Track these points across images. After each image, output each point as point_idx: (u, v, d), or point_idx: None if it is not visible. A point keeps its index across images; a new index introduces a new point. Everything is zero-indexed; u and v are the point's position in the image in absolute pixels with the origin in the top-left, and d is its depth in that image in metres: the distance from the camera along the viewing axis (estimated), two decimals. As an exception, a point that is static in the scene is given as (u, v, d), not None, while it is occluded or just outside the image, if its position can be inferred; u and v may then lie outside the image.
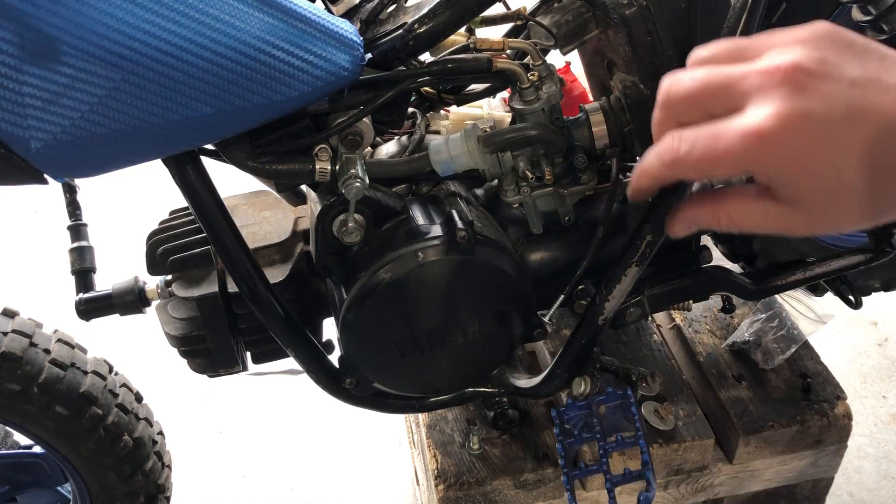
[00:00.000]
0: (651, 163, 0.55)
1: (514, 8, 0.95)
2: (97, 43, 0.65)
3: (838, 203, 0.51)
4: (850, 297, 1.19)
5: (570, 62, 1.29)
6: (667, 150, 0.53)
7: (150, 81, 0.68)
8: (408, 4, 0.88)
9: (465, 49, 0.89)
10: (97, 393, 1.19)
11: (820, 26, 0.52)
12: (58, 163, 0.70)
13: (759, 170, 0.51)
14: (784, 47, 0.51)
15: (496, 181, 0.94)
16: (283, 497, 1.73)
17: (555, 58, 1.03)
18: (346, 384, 0.97)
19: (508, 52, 0.90)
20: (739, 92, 0.51)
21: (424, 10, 0.83)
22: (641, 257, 0.91)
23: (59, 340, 1.20)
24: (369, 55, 0.80)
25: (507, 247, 0.94)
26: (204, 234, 1.03)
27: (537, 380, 1.02)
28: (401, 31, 0.83)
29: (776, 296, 1.30)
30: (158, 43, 0.66)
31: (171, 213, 1.15)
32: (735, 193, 0.55)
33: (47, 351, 1.16)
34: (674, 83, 0.54)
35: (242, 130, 0.77)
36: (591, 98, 1.20)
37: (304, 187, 1.08)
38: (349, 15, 0.87)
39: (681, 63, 0.93)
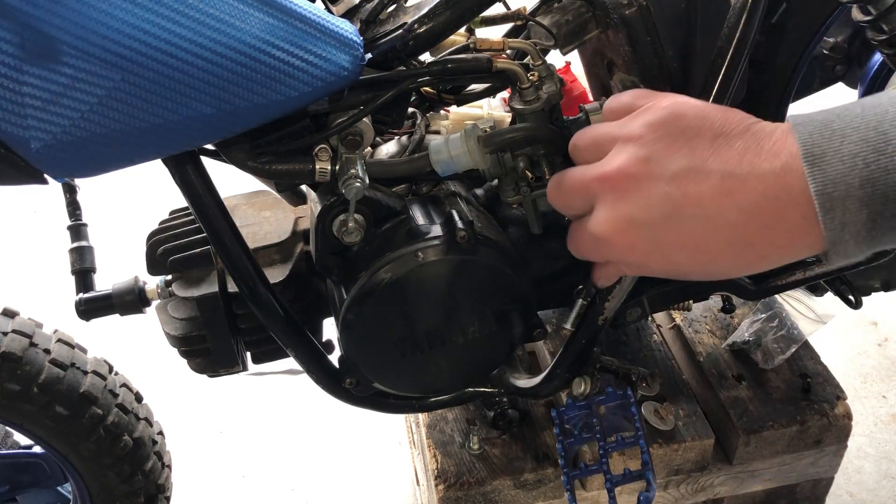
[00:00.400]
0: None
1: (514, 8, 0.95)
2: (97, 43, 0.65)
3: (685, 274, 0.60)
4: (850, 297, 1.19)
5: (570, 62, 1.29)
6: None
7: (150, 81, 0.68)
8: (408, 4, 0.88)
9: (465, 49, 0.88)
10: (97, 393, 1.19)
11: (662, 110, 0.59)
12: (58, 163, 0.70)
13: (610, 260, 0.65)
14: (622, 145, 0.60)
15: (496, 181, 0.94)
16: (283, 497, 1.73)
17: (555, 58, 1.03)
18: (346, 384, 0.97)
19: (508, 52, 0.90)
20: (589, 196, 0.62)
21: (424, 10, 0.83)
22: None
23: (59, 340, 1.20)
24: (369, 55, 0.80)
25: (507, 247, 0.94)
26: (204, 234, 1.03)
27: (537, 380, 1.02)
28: (401, 31, 0.83)
29: (776, 296, 1.30)
30: (158, 43, 0.66)
31: (171, 213, 1.15)
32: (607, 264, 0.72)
33: (47, 351, 1.16)
34: (549, 192, 0.70)
35: (242, 130, 0.77)
36: (591, 98, 1.20)
37: (304, 187, 1.08)
38: (349, 15, 0.87)
39: (681, 63, 0.94)
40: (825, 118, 0.51)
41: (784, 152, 0.51)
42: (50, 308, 1.49)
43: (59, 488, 1.34)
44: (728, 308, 1.31)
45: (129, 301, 1.09)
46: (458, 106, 1.01)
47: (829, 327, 1.37)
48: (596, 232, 0.60)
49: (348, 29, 0.77)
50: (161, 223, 1.12)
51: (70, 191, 1.17)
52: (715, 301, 1.36)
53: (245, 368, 1.11)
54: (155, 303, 1.09)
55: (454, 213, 0.89)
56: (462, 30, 0.90)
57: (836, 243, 0.51)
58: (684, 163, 0.54)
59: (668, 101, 0.59)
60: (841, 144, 0.49)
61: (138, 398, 1.31)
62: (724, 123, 0.55)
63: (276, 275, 1.03)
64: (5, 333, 1.13)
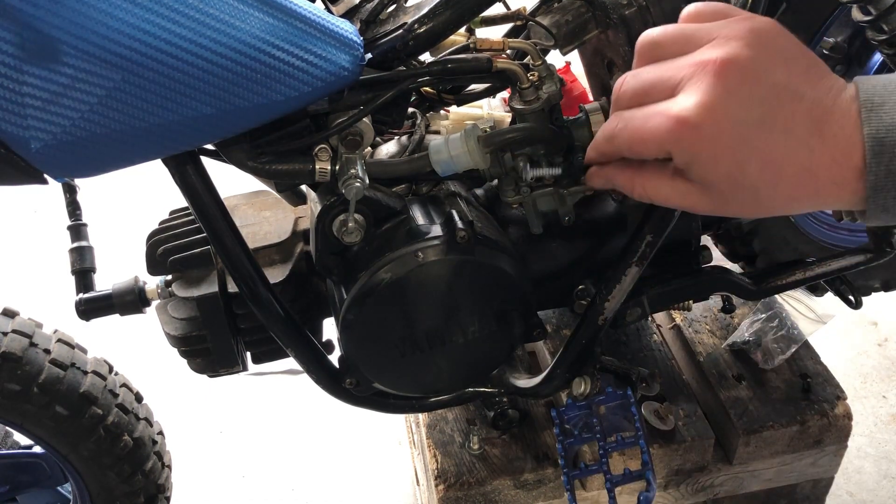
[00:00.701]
0: (596, 138, 0.63)
1: (514, 8, 0.95)
2: (97, 43, 0.65)
3: (739, 194, 0.57)
4: (850, 297, 1.19)
5: (570, 62, 1.29)
6: (608, 126, 0.61)
7: (150, 81, 0.68)
8: (408, 4, 0.88)
9: (465, 49, 0.88)
10: (97, 393, 1.19)
11: (763, 23, 0.58)
12: (58, 163, 0.70)
13: (677, 151, 0.57)
14: (724, 40, 0.56)
15: (496, 181, 0.94)
16: (283, 497, 1.73)
17: (555, 58, 1.03)
18: (346, 384, 0.97)
19: (508, 52, 0.90)
20: (675, 81, 0.57)
21: (424, 10, 0.83)
22: (641, 257, 0.91)
23: (59, 340, 1.20)
24: (369, 55, 0.80)
25: (507, 247, 0.94)
26: (204, 234, 1.03)
27: (537, 380, 1.02)
28: (401, 31, 0.83)
29: (776, 296, 1.30)
30: (158, 43, 0.66)
31: (171, 213, 1.15)
32: (652, 168, 0.62)
33: (47, 351, 1.16)
34: (622, 83, 0.61)
35: (242, 130, 0.77)
36: (591, 98, 1.20)
37: (304, 187, 1.08)
38: (349, 15, 0.87)
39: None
40: (889, 77, 0.55)
41: (857, 100, 0.54)
42: (50, 308, 1.49)
43: (59, 488, 1.34)
44: (728, 308, 1.31)
45: (129, 301, 1.09)
46: (458, 106, 1.02)
47: (829, 327, 1.37)
48: (685, 114, 0.55)
49: (348, 29, 0.77)
50: (161, 223, 1.12)
51: (70, 191, 1.17)
52: (715, 301, 1.36)
53: (245, 368, 1.11)
54: (155, 303, 1.09)
55: (454, 213, 0.89)
56: (462, 30, 0.90)
57: (877, 190, 0.53)
58: (784, 78, 0.55)
59: (761, 17, 0.60)
60: None
61: (138, 398, 1.31)
62: (814, 58, 0.57)
63: (276, 275, 1.03)
64: (5, 333, 1.13)
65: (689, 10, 0.62)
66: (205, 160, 0.86)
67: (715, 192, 0.58)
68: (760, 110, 0.54)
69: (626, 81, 0.61)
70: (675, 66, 0.57)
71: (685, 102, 0.55)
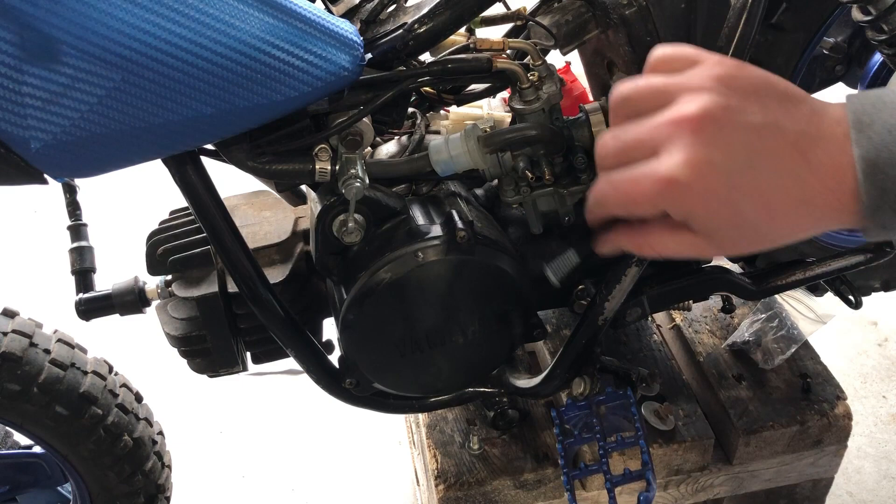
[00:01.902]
0: (588, 205, 0.63)
1: (514, 8, 0.95)
2: (97, 43, 0.65)
3: (742, 235, 0.58)
4: (850, 297, 1.19)
5: (570, 62, 1.29)
6: (597, 190, 0.61)
7: (150, 81, 0.68)
8: (408, 4, 0.88)
9: (465, 49, 0.89)
10: (97, 393, 1.19)
11: (728, 66, 0.58)
12: (58, 163, 0.70)
13: (671, 209, 0.57)
14: (694, 94, 0.57)
15: (496, 181, 0.94)
16: (283, 497, 1.73)
17: (555, 58, 1.03)
18: (346, 384, 0.97)
19: (508, 52, 0.90)
20: (656, 141, 0.57)
21: (424, 10, 0.83)
22: (641, 258, 0.91)
23: (59, 340, 1.20)
24: (369, 55, 0.80)
25: (507, 247, 0.94)
26: (204, 234, 1.03)
27: (537, 380, 1.02)
28: (401, 31, 0.83)
29: (776, 296, 1.30)
30: (158, 43, 0.66)
31: (171, 213, 1.15)
32: (654, 227, 0.62)
33: (47, 351, 1.16)
34: (604, 144, 0.61)
35: (242, 130, 0.77)
36: (591, 98, 1.20)
37: (304, 187, 1.08)
38: (349, 15, 0.87)
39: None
40: (879, 92, 0.54)
41: (845, 120, 0.54)
42: (50, 308, 1.49)
43: (59, 488, 1.34)
44: (728, 308, 1.31)
45: (129, 301, 1.09)
46: (458, 106, 1.02)
47: (829, 327, 1.37)
48: (672, 175, 0.55)
49: (348, 29, 0.78)
50: (161, 223, 1.12)
51: (70, 191, 1.17)
52: (715, 301, 1.36)
53: (245, 368, 1.11)
54: (155, 303, 1.09)
55: (454, 213, 0.89)
56: (462, 30, 0.90)
57: (874, 210, 0.52)
58: (760, 117, 0.55)
59: (727, 59, 0.60)
60: (891, 115, 0.52)
61: (138, 398, 1.31)
62: (786, 88, 0.57)
63: (276, 275, 1.03)
64: (5, 333, 1.13)
65: (655, 56, 0.62)
66: (205, 160, 0.86)
67: (719, 237, 0.58)
68: (745, 154, 0.54)
69: (607, 142, 0.61)
70: (652, 125, 0.58)
71: (670, 163, 0.56)
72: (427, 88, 0.95)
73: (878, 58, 1.32)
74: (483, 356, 0.99)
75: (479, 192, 1.03)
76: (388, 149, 1.01)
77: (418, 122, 1.00)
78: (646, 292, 1.03)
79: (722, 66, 0.58)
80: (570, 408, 1.04)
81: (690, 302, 1.12)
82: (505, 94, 1.13)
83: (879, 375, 1.92)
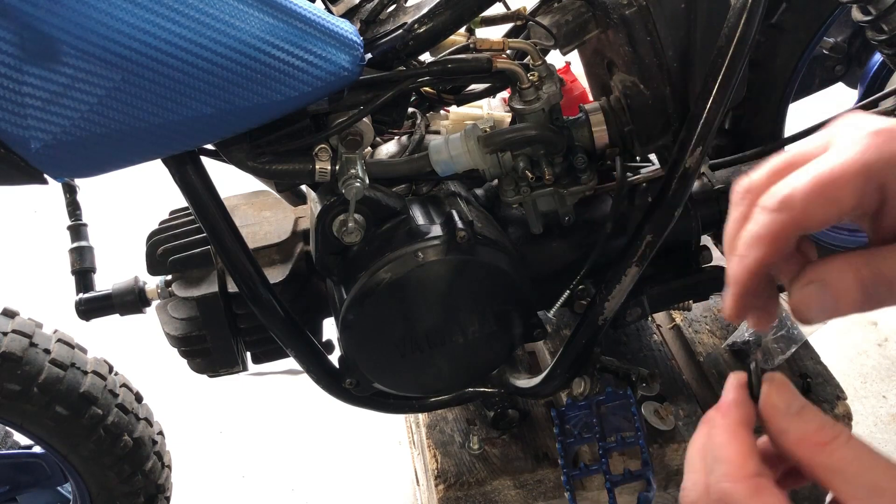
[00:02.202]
0: None
1: (514, 8, 0.95)
2: (97, 43, 0.65)
3: None
4: (850, 298, 1.19)
5: (570, 62, 1.29)
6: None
7: (150, 81, 0.68)
8: (408, 4, 0.88)
9: (465, 49, 0.89)
10: (97, 393, 1.19)
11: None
12: (58, 163, 0.70)
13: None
14: None
15: (496, 181, 0.94)
16: (283, 497, 1.73)
17: (555, 58, 1.03)
18: (346, 384, 0.97)
19: (508, 52, 0.90)
20: None
21: (424, 10, 0.83)
22: (641, 257, 0.91)
23: (59, 340, 1.20)
24: (369, 55, 0.80)
25: (507, 247, 0.94)
26: (204, 234, 1.03)
27: (537, 380, 1.02)
28: (401, 31, 0.83)
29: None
30: (158, 43, 0.66)
31: (171, 213, 1.15)
32: None
33: (47, 351, 1.16)
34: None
35: (242, 130, 0.77)
36: (591, 98, 1.20)
37: (304, 187, 1.08)
38: (349, 15, 0.87)
39: (681, 63, 0.93)
40: None
41: None
42: (50, 308, 1.49)
43: (59, 488, 1.34)
44: (728, 308, 1.31)
45: (129, 301, 1.09)
46: (458, 106, 1.02)
47: (829, 327, 1.37)
48: None
49: (348, 29, 0.77)
50: (161, 223, 1.12)
51: (70, 191, 1.17)
52: (715, 301, 1.36)
53: (245, 368, 1.11)
54: (155, 303, 1.09)
55: (454, 213, 0.89)
56: (462, 30, 0.90)
57: None
58: None
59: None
60: None
61: (138, 398, 1.31)
62: None
63: (276, 275, 1.03)
64: (5, 333, 1.13)
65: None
66: (205, 160, 0.86)
67: None
68: None
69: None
70: None
71: None
72: (427, 88, 0.96)
73: (878, 58, 1.32)
74: (483, 356, 0.99)
75: (479, 192, 1.03)
76: (388, 149, 1.01)
77: (418, 122, 1.00)
78: (646, 292, 1.03)
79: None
80: (570, 408, 1.04)
81: (690, 302, 1.12)
82: (505, 94, 1.13)
83: (879, 375, 1.92)
